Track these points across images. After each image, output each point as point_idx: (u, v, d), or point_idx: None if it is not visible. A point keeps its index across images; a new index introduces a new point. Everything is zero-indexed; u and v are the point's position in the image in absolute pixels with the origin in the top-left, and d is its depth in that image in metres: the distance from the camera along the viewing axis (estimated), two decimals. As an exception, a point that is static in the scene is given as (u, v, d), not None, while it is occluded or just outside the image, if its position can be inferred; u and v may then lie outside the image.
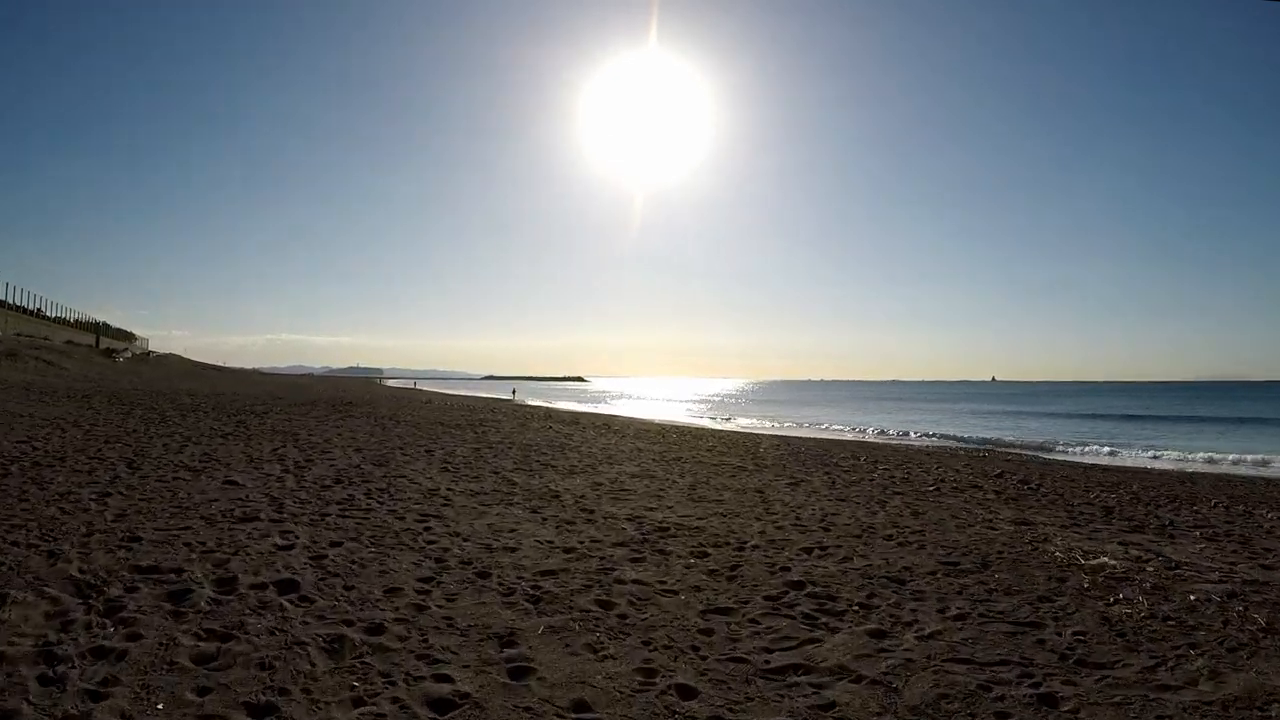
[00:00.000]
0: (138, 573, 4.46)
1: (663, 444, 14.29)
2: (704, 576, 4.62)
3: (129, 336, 66.06)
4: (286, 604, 3.92)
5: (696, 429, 22.16)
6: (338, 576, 4.37)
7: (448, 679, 3.07)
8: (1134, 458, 19.39)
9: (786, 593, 4.39)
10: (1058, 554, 6.06)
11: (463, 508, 6.57)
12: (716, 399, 74.91)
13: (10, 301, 41.66)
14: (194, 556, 4.79)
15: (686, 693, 3.05)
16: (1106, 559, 5.97)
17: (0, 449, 8.75)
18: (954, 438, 24.71)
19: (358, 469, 8.73)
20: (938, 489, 9.56)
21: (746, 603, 4.15)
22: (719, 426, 28.00)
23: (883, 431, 27.75)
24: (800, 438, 21.65)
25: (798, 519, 6.69)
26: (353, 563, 4.67)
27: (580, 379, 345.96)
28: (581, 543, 5.37)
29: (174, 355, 75.72)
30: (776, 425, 31.93)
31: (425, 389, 68.91)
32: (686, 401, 65.12)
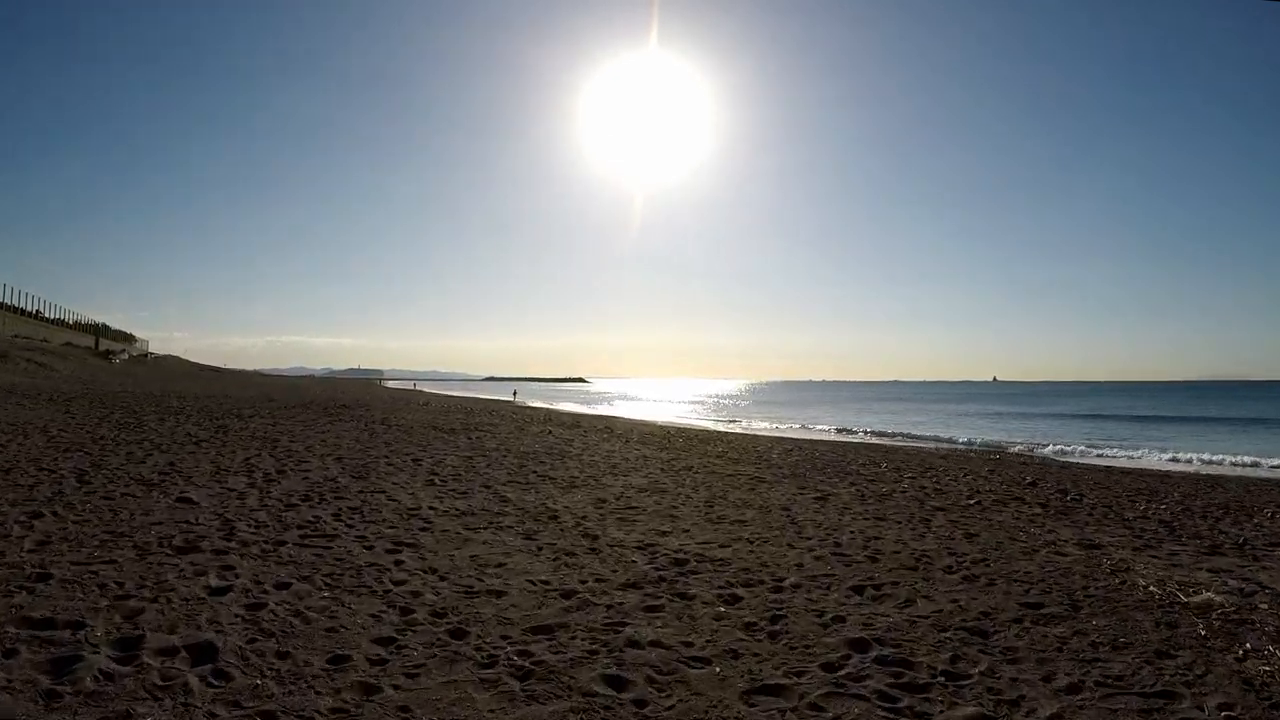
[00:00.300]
0: (26, 627, 3.51)
1: (669, 450, 13.33)
2: (740, 634, 3.64)
3: (129, 338, 65.31)
4: (194, 681, 2.95)
5: (702, 432, 21.20)
6: (272, 638, 3.40)
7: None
8: (1153, 460, 18.82)
9: (849, 657, 3.41)
10: (1151, 588, 5.12)
11: (444, 533, 5.60)
12: (718, 400, 73.92)
13: (10, 303, 41.69)
14: (103, 604, 3.84)
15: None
16: (1210, 594, 5.02)
17: (-71, 461, 7.81)
18: (966, 441, 23.76)
19: (333, 483, 7.77)
20: (978, 502, 8.60)
21: (801, 676, 3.17)
22: (724, 429, 27.03)
23: (891, 434, 26.78)
24: (810, 440, 20.67)
25: (837, 545, 5.71)
26: (296, 615, 3.70)
27: (581, 380, 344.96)
28: (584, 582, 4.39)
29: (172, 357, 74.88)
30: (782, 427, 31.00)
31: (425, 390, 68.00)
32: (688, 403, 64.15)
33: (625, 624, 3.66)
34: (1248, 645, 3.97)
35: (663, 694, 2.93)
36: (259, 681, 2.96)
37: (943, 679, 3.25)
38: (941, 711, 2.94)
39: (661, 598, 4.12)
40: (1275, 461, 17.66)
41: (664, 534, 5.84)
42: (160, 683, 2.97)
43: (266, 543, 5.22)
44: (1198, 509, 8.95)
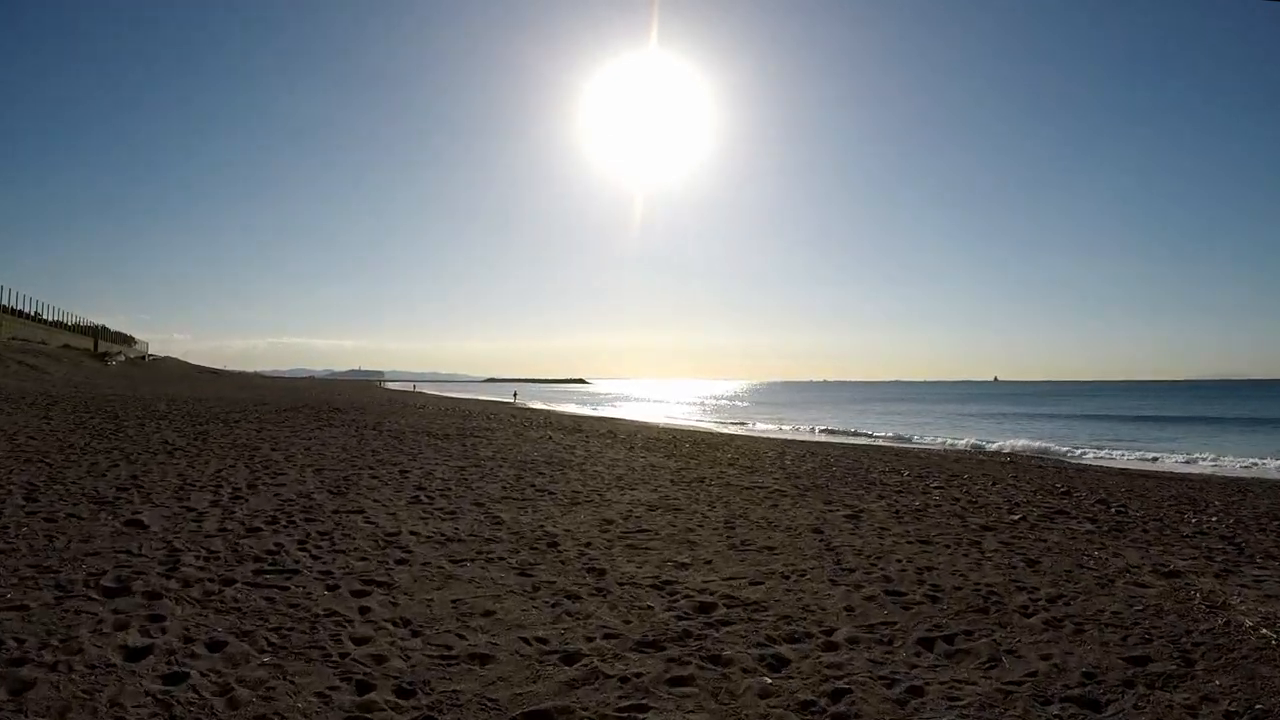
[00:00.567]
0: None
1: (677, 457, 12.48)
2: (793, 718, 2.80)
3: (128, 340, 64.69)
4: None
5: (709, 435, 20.35)
6: (179, 733, 2.57)
7: None
8: (1170, 464, 18.07)
9: (944, 757, 2.58)
10: (1264, 630, 4.29)
11: (424, 567, 4.75)
12: (720, 401, 73.06)
13: (8, 305, 41.45)
14: (-14, 674, 3.03)
15: None
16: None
17: None
18: (976, 443, 22.90)
19: (306, 500, 6.94)
20: (1022, 518, 7.76)
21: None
22: (731, 431, 26.19)
23: (901, 437, 25.93)
24: (821, 444, 19.82)
25: (886, 579, 4.86)
26: (221, 693, 2.87)
27: (582, 380, 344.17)
28: (591, 639, 3.54)
29: (171, 359, 74.15)
30: (789, 429, 30.18)
31: (425, 392, 67.20)
32: (690, 404, 63.30)
33: (647, 707, 2.81)
34: None
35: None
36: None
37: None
38: None
39: (689, 663, 3.26)
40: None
41: (683, 566, 4.98)
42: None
43: (212, 580, 4.40)
44: (1249, 520, 8.23)
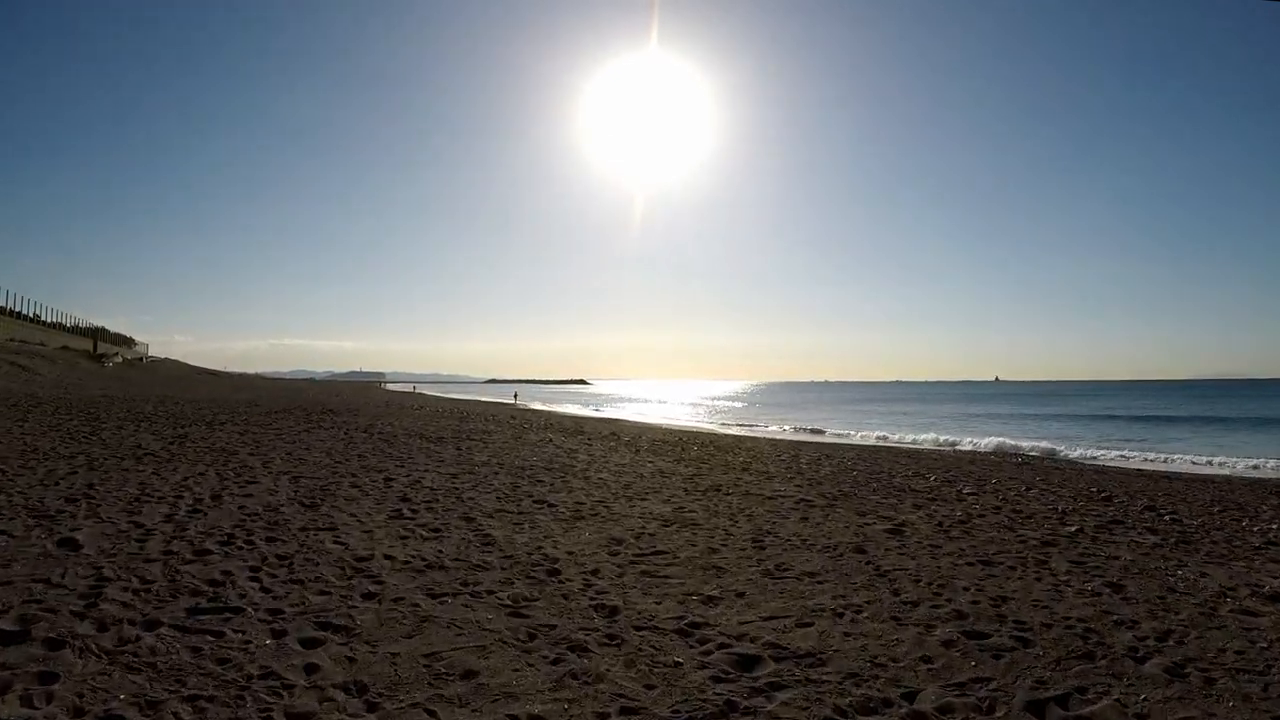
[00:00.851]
0: None
1: (687, 461, 11.62)
2: None
3: (128, 341, 64.10)
4: None
5: (716, 438, 19.48)
6: None
7: None
8: (1185, 464, 17.35)
9: None
10: None
11: (395, 605, 3.89)
12: (722, 402, 72.12)
13: (8, 307, 41.20)
14: None
15: None
16: None
17: None
18: (987, 443, 22.01)
19: (273, 513, 6.10)
20: (1079, 529, 6.92)
21: None
22: (737, 433, 25.31)
23: (909, 438, 25.04)
24: (834, 446, 18.94)
25: (958, 613, 4.00)
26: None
27: (583, 381, 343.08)
28: (603, 715, 2.68)
29: (170, 360, 73.49)
30: (794, 430, 29.31)
31: (425, 393, 66.38)
32: (692, 405, 62.37)
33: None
34: None
35: None
36: None
37: None
38: None
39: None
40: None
41: (711, 601, 4.10)
42: None
43: (133, 622, 3.56)
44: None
